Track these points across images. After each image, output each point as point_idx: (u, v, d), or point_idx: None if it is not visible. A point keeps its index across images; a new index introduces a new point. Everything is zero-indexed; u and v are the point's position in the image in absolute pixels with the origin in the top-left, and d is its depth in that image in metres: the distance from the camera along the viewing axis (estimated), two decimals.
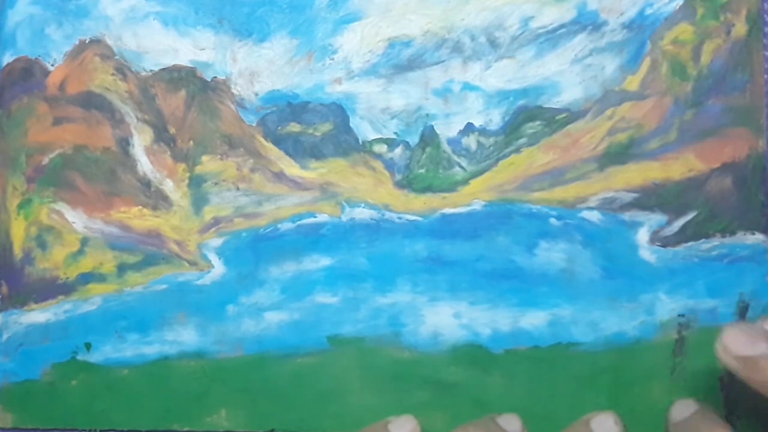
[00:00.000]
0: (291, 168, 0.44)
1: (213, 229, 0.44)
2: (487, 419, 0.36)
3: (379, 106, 0.43)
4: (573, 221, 0.42)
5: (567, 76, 0.43)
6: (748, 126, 0.42)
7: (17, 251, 0.45)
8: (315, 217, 0.43)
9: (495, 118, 0.43)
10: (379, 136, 0.43)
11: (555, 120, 0.43)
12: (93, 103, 0.45)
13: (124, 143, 0.44)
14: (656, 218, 0.42)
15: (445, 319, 0.42)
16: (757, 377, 0.30)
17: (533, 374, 0.42)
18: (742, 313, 0.41)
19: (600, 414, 0.36)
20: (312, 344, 0.43)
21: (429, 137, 0.43)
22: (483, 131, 0.43)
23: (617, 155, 0.42)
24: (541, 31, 0.43)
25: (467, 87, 0.43)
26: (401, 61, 0.43)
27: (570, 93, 0.43)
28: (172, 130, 0.44)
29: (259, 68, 0.44)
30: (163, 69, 0.44)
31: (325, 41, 0.44)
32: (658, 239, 0.42)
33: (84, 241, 0.44)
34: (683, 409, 0.35)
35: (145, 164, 0.44)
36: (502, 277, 0.42)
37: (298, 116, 0.44)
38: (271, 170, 0.44)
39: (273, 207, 0.44)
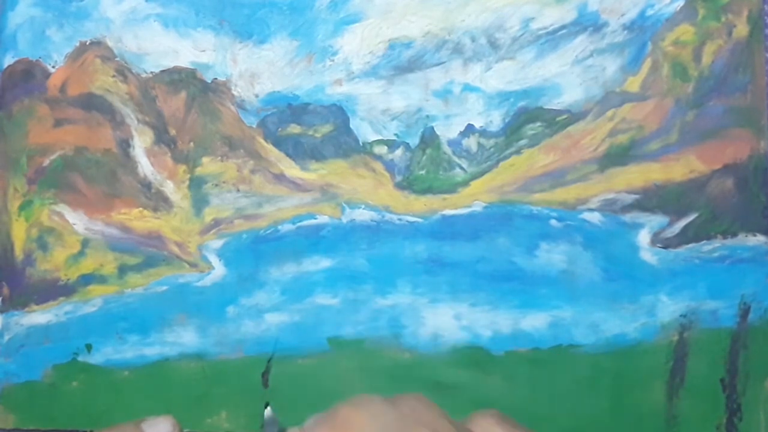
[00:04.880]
0: (291, 169, 0.44)
1: (213, 230, 0.44)
2: (132, 425, 0.33)
3: (380, 108, 0.43)
4: (574, 223, 0.42)
5: (568, 77, 0.43)
6: (749, 127, 0.42)
7: (18, 253, 0.45)
8: (315, 218, 0.43)
9: (495, 120, 0.43)
10: (380, 137, 0.43)
11: (556, 121, 0.43)
12: (94, 104, 0.45)
13: (125, 145, 0.44)
14: (657, 220, 0.42)
15: (445, 321, 0.42)
16: None
17: (534, 376, 0.41)
18: (744, 315, 0.41)
19: (155, 417, 0.34)
20: (312, 346, 0.43)
21: (429, 138, 0.43)
22: (483, 132, 0.43)
23: (618, 156, 0.42)
24: (541, 32, 0.43)
25: (468, 88, 0.43)
26: (401, 62, 0.43)
27: (571, 94, 0.43)
28: (173, 132, 0.44)
29: (259, 70, 0.44)
30: (164, 71, 0.44)
31: (326, 43, 0.44)
32: (659, 241, 0.42)
33: (85, 243, 0.44)
34: None
35: (145, 166, 0.44)
36: (503, 279, 0.42)
37: (299, 118, 0.44)
38: (272, 172, 0.44)
39: (273, 208, 0.44)
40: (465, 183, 0.43)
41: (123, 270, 0.44)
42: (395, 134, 0.43)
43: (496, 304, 0.42)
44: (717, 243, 0.42)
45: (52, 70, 0.45)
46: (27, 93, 0.45)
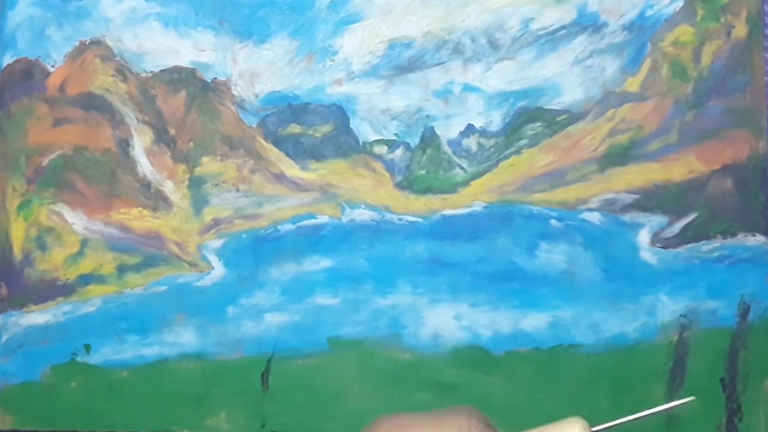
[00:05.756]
0: (291, 169, 0.44)
1: (213, 230, 0.44)
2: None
3: (380, 108, 0.43)
4: (574, 223, 0.42)
5: (567, 77, 0.43)
6: (748, 127, 0.42)
7: (17, 252, 0.44)
8: (315, 218, 0.43)
9: (495, 120, 0.43)
10: (380, 137, 0.43)
11: (555, 121, 0.43)
12: (93, 104, 0.45)
13: (124, 144, 0.44)
14: (657, 220, 0.42)
15: (445, 321, 0.42)
16: None
17: (534, 376, 0.41)
18: (744, 315, 0.41)
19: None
20: (312, 346, 0.43)
21: (429, 138, 0.43)
22: (483, 132, 0.43)
23: (618, 156, 0.42)
24: (541, 32, 0.43)
25: (468, 88, 0.43)
26: (402, 62, 0.43)
27: (570, 94, 0.43)
28: (172, 132, 0.44)
29: (259, 69, 0.44)
30: (164, 70, 0.44)
31: (326, 42, 0.44)
32: (658, 241, 0.42)
33: (84, 243, 0.44)
34: None
35: (145, 165, 0.44)
36: (503, 279, 0.42)
37: (299, 117, 0.44)
38: (272, 171, 0.44)
39: (273, 208, 0.44)
40: (465, 183, 0.43)
41: (122, 270, 0.44)
42: (395, 134, 0.43)
43: (496, 304, 0.42)
44: (716, 243, 0.42)
45: (52, 70, 0.45)
46: (26, 92, 0.45)
